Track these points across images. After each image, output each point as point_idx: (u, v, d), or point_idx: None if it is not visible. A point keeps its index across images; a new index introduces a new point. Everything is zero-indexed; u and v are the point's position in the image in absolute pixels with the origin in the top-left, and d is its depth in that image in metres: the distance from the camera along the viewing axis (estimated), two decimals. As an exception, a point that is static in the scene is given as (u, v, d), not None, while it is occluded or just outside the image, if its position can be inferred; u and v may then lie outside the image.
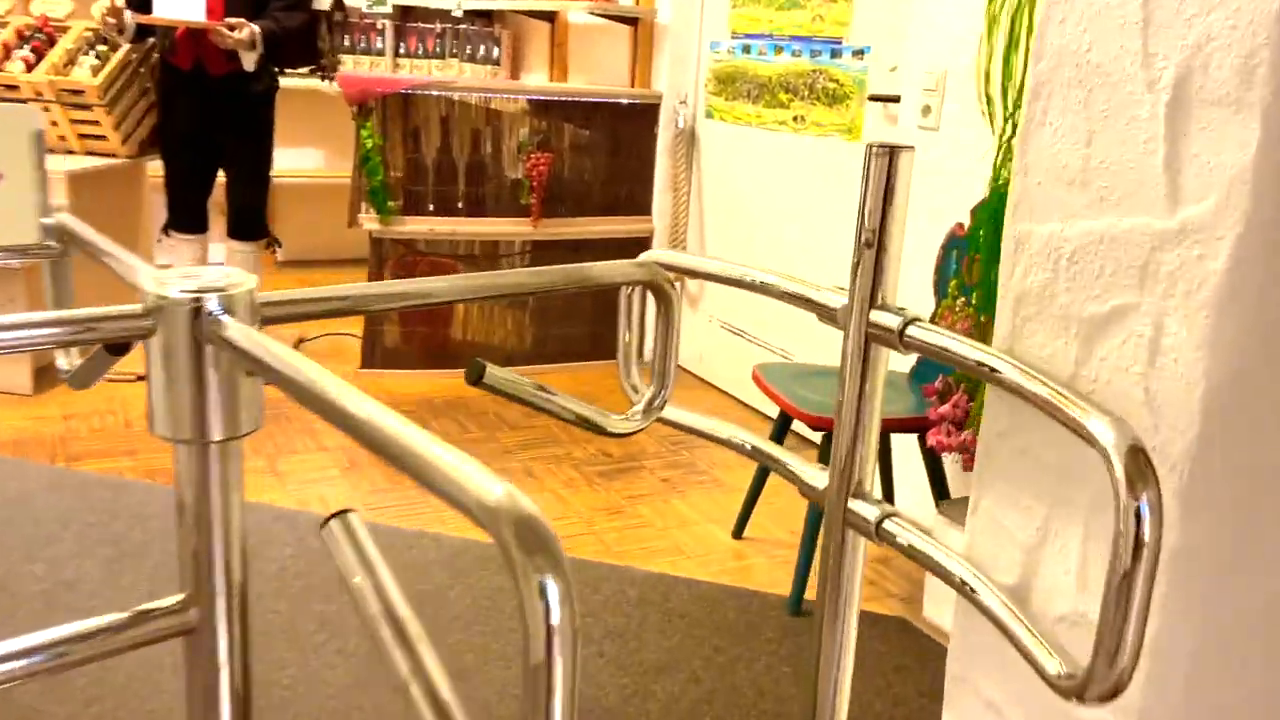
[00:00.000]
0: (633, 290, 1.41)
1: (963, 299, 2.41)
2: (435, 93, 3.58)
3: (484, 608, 2.23)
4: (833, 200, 3.18)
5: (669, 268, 1.44)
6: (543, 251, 3.88)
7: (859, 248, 1.13)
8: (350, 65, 4.99)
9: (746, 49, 3.51)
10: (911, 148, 1.10)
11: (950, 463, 2.43)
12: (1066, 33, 0.92)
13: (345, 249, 4.87)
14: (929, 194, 2.60)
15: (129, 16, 3.35)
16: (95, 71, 3.52)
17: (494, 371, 1.18)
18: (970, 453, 2.04)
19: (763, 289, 1.32)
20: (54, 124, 3.58)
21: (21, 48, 3.58)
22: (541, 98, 3.74)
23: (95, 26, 3.55)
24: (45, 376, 3.38)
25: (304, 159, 5.25)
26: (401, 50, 5.03)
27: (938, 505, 2.32)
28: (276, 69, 3.61)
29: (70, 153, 3.65)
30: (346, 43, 5.00)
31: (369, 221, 3.55)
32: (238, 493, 0.96)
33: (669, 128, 3.83)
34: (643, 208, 3.93)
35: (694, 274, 1.40)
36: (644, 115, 3.83)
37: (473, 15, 4.94)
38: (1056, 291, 0.95)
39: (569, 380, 3.79)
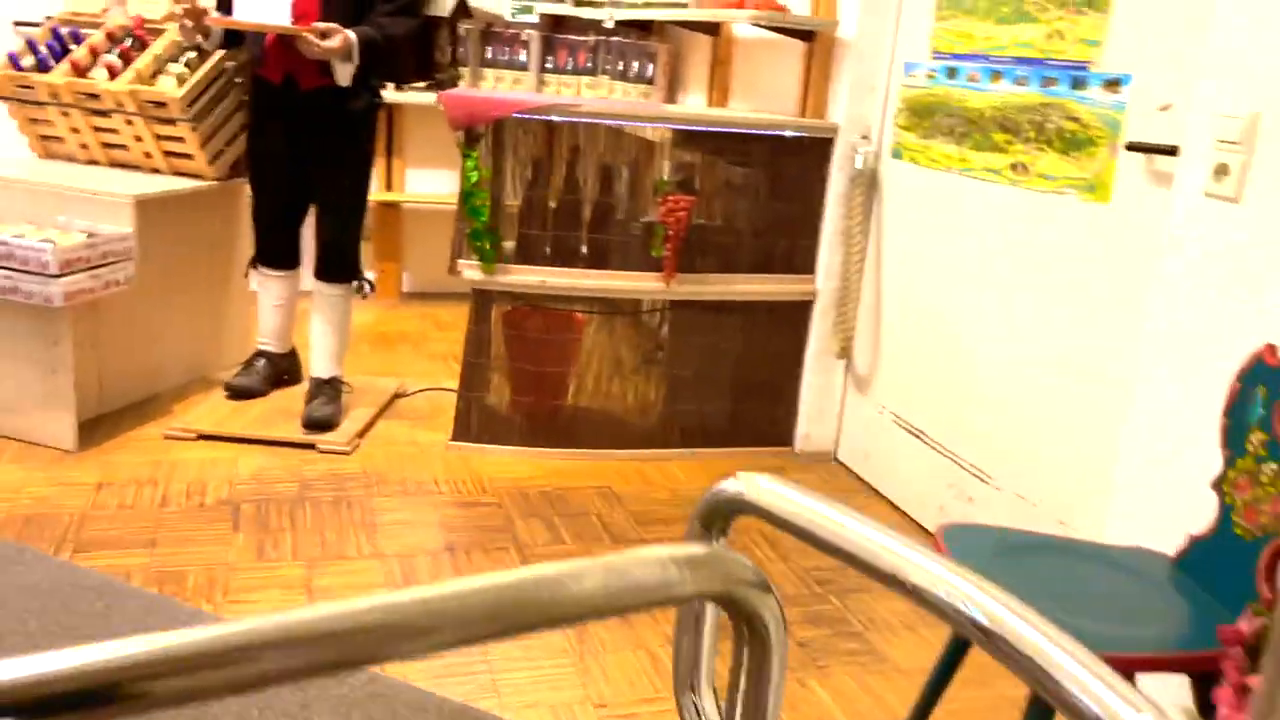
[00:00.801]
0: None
1: (1275, 465, 1.57)
2: (556, 118, 2.94)
3: None
4: (1065, 283, 2.35)
5: (769, 517, 0.72)
6: (680, 311, 3.20)
7: None
8: (491, 81, 4.47)
9: (952, 73, 2.72)
10: None
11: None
12: None
13: (472, 284, 4.33)
14: (1219, 297, 1.76)
15: (213, 18, 2.88)
16: (181, 82, 3.08)
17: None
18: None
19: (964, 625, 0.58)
20: (138, 139, 3.16)
21: (110, 52, 3.18)
22: (686, 127, 3.05)
23: (188, 30, 3.11)
24: (92, 431, 2.94)
25: (434, 182, 4.76)
26: (549, 65, 4.46)
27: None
28: (380, 84, 3.08)
29: (156, 171, 3.23)
30: (490, 55, 4.47)
31: (469, 269, 2.96)
32: None
33: (844, 168, 3.07)
34: (805, 266, 3.18)
35: (812, 539, 0.67)
36: (813, 151, 3.09)
37: (627, 27, 4.31)
38: None
39: (699, 469, 3.09)
